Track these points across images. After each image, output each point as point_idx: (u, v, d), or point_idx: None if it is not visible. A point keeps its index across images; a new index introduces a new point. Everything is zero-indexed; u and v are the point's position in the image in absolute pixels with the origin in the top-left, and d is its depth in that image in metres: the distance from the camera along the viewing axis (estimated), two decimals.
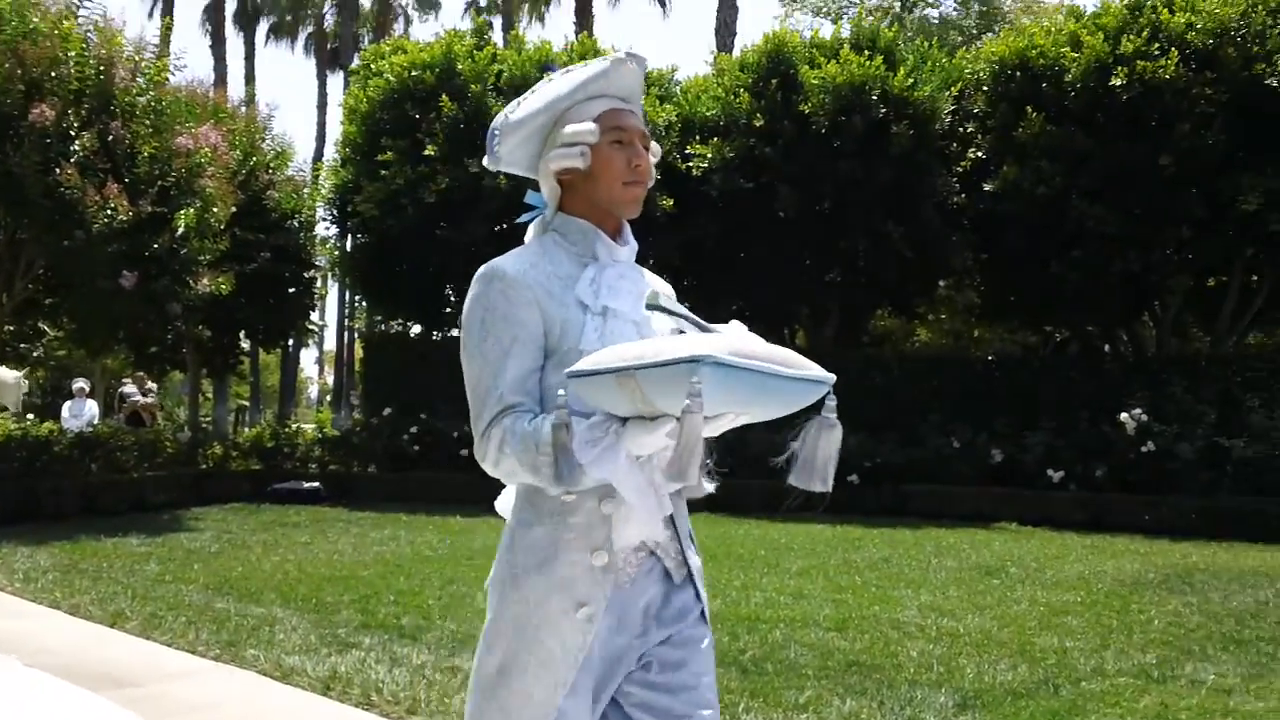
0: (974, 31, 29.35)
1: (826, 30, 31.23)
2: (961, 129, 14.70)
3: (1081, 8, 14.56)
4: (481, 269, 1.84)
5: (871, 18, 22.58)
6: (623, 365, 1.55)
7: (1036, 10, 29.06)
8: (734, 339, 1.57)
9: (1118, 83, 12.66)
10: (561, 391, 1.65)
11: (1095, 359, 15.45)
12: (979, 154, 14.30)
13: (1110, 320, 15.06)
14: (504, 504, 2.00)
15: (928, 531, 10.67)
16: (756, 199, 14.01)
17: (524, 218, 2.00)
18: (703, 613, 1.89)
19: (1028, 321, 16.42)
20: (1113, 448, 12.09)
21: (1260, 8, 12.71)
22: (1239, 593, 7.15)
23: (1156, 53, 12.67)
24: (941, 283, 16.43)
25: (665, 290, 1.90)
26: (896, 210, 13.81)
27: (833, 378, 1.63)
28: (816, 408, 1.65)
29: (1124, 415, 12.10)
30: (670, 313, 1.74)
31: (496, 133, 1.93)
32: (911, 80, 14.06)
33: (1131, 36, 12.89)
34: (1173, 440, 11.68)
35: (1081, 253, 13.20)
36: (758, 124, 14.03)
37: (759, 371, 1.53)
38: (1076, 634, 5.76)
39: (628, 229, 1.95)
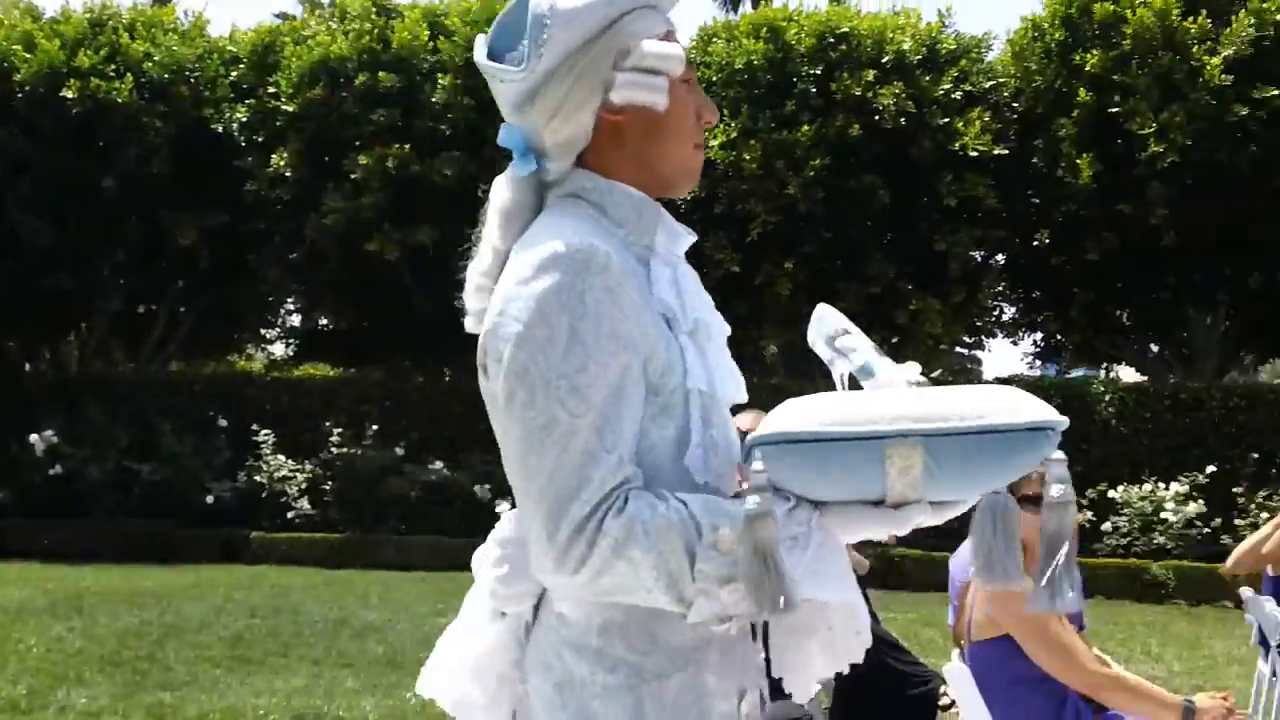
0: None
1: None
2: None
3: (42, 10, 13.86)
4: (558, 246, 1.12)
5: None
6: (908, 429, 1.07)
7: None
8: (1003, 389, 1.16)
9: (69, 95, 12.28)
10: (759, 464, 1.08)
11: (12, 376, 14.47)
12: None
13: (34, 337, 14.40)
14: (495, 652, 1.30)
15: None
16: None
17: (522, 171, 1.24)
18: None
19: None
20: (20, 470, 11.68)
21: (216, 56, 13.44)
22: (126, 614, 7.31)
23: (113, 74, 12.63)
24: None
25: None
26: None
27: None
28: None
29: (34, 436, 11.71)
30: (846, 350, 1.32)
31: (547, 22, 1.16)
32: None
33: (89, 52, 12.65)
34: (83, 463, 11.65)
35: (14, 263, 12.43)
36: None
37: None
38: None
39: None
